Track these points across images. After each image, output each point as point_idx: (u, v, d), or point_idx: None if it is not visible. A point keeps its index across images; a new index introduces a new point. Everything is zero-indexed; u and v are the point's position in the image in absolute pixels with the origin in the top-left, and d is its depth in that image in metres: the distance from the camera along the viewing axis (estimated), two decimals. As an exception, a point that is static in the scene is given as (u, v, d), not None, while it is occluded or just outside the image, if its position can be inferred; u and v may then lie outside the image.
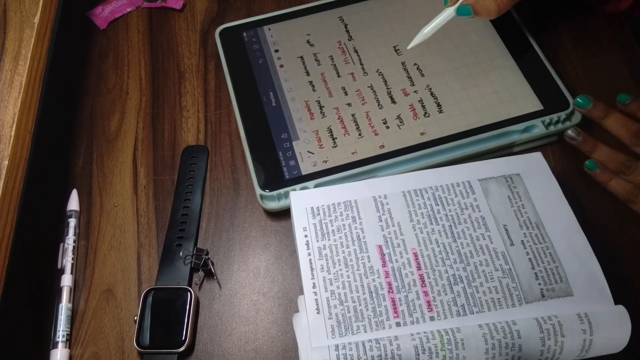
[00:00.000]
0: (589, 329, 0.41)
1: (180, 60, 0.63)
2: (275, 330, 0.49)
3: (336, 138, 0.55)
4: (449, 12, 0.50)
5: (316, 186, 0.52)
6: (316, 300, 0.44)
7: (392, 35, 0.61)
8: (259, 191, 0.52)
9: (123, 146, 0.58)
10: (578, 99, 0.55)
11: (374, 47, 0.60)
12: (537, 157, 0.51)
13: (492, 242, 0.46)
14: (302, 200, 0.49)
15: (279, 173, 0.53)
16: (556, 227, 0.47)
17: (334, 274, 0.45)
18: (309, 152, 0.54)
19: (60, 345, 0.47)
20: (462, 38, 0.60)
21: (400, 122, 0.55)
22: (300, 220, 0.48)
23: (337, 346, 0.41)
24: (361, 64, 0.59)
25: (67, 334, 0.48)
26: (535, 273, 0.45)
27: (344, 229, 0.47)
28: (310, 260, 0.46)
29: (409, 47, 0.51)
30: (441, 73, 0.58)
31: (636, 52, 0.61)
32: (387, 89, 0.57)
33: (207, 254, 0.52)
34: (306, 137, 0.55)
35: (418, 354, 0.41)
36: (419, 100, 0.56)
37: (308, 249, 0.47)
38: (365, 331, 0.43)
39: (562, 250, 0.46)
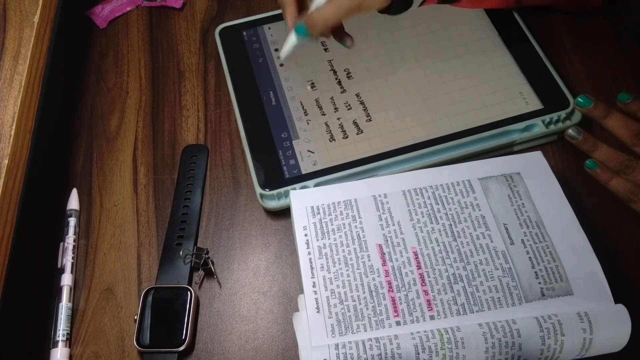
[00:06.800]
0: (589, 328, 0.41)
1: (180, 59, 0.63)
2: (275, 329, 0.49)
3: (336, 137, 0.55)
4: (292, 37, 0.48)
5: (316, 185, 0.52)
6: (316, 299, 0.44)
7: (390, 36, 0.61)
8: (259, 190, 0.52)
9: (123, 145, 0.58)
10: (579, 99, 0.55)
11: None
12: (537, 156, 0.51)
13: (492, 241, 0.46)
14: (302, 199, 0.49)
15: (278, 172, 0.53)
16: (556, 226, 0.47)
17: (334, 273, 0.45)
18: (309, 151, 0.54)
19: (60, 344, 0.47)
20: (461, 38, 0.60)
21: (398, 122, 0.55)
22: (300, 219, 0.48)
23: (337, 345, 0.41)
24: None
25: (67, 333, 0.48)
26: (536, 272, 0.45)
27: (344, 227, 0.47)
28: (310, 259, 0.46)
29: (282, 57, 0.50)
30: (439, 73, 0.58)
31: (636, 52, 0.61)
32: (388, 88, 0.57)
33: (207, 253, 0.52)
34: (306, 136, 0.55)
35: (418, 353, 0.41)
36: (411, 102, 0.56)
37: (308, 248, 0.47)
38: (365, 330, 0.43)
39: (562, 249, 0.46)
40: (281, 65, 0.59)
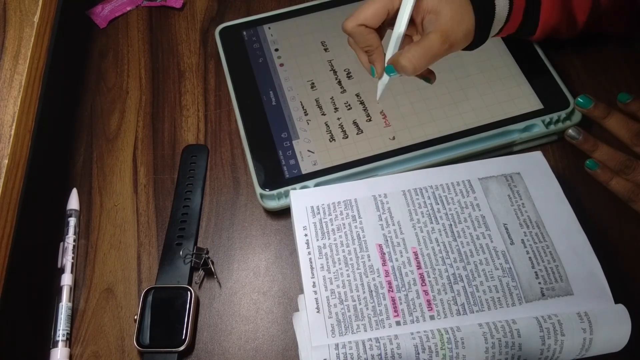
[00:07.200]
0: (589, 328, 0.41)
1: (180, 59, 0.63)
2: (275, 329, 0.49)
3: (336, 137, 0.55)
4: (384, 79, 0.49)
5: (316, 185, 0.52)
6: (316, 299, 0.44)
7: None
8: (259, 190, 0.52)
9: (123, 145, 0.58)
10: (579, 99, 0.55)
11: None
12: (537, 156, 0.51)
13: (492, 241, 0.46)
14: (302, 199, 0.49)
15: (279, 172, 0.53)
16: (556, 226, 0.47)
17: (334, 273, 0.45)
18: (309, 151, 0.54)
19: (60, 344, 0.47)
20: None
21: (398, 122, 0.55)
22: (300, 219, 0.48)
23: (337, 345, 0.41)
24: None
25: (67, 333, 0.48)
26: (536, 272, 0.45)
27: (344, 227, 0.47)
28: (310, 259, 0.46)
29: (378, 99, 0.50)
30: (440, 73, 0.58)
31: (636, 52, 0.61)
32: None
33: (207, 253, 0.52)
34: (306, 136, 0.55)
35: (418, 353, 0.41)
36: (412, 102, 0.56)
37: (308, 247, 0.47)
38: (365, 330, 0.43)
39: (562, 249, 0.46)
40: (281, 65, 0.59)
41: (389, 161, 0.53)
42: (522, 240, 0.46)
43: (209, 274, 0.51)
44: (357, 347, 0.41)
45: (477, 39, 0.48)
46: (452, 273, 0.45)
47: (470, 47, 0.48)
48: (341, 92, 0.57)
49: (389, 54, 0.47)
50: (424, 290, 0.44)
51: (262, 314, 0.49)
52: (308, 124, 0.56)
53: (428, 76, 0.50)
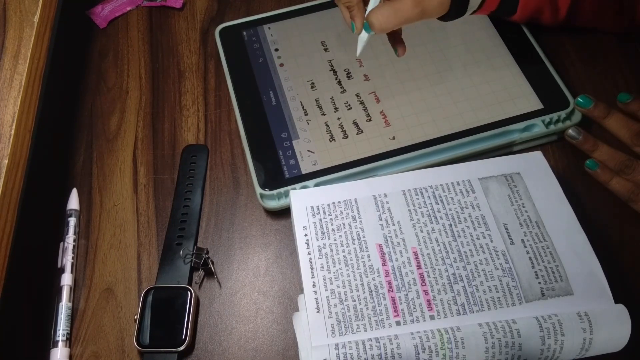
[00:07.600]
0: (589, 328, 0.41)
1: (180, 59, 0.63)
2: (275, 329, 0.49)
3: (336, 137, 0.55)
4: (362, 35, 0.50)
5: (316, 185, 0.52)
6: (316, 299, 0.44)
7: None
8: (259, 190, 0.52)
9: (123, 145, 0.58)
10: (579, 99, 0.55)
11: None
12: (537, 156, 0.51)
13: (492, 241, 0.46)
14: (302, 199, 0.49)
15: (279, 172, 0.53)
16: (556, 226, 0.47)
17: (334, 272, 0.45)
18: (309, 151, 0.54)
19: (60, 344, 0.47)
20: (461, 38, 0.60)
21: (398, 122, 0.55)
22: (300, 219, 0.48)
23: (337, 345, 0.41)
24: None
25: (67, 333, 0.48)
26: (536, 272, 0.45)
27: (344, 227, 0.47)
28: (310, 259, 0.46)
29: (358, 55, 0.51)
30: (440, 73, 0.58)
31: (636, 52, 0.61)
32: (385, 87, 0.57)
33: (207, 252, 0.52)
34: (306, 136, 0.55)
35: (418, 353, 0.41)
36: (412, 102, 0.56)
37: (308, 247, 0.47)
38: (365, 330, 0.43)
39: (562, 249, 0.46)
40: (281, 65, 0.59)
41: (389, 161, 0.53)
42: (522, 240, 0.46)
43: (209, 274, 0.51)
44: (357, 347, 0.41)
45: (454, 11, 0.48)
46: (452, 273, 0.45)
47: (446, 17, 0.49)
48: (341, 92, 0.57)
49: (368, 11, 0.48)
50: (424, 290, 0.44)
51: (262, 314, 0.49)
52: (308, 124, 0.56)
53: (396, 46, 0.51)
